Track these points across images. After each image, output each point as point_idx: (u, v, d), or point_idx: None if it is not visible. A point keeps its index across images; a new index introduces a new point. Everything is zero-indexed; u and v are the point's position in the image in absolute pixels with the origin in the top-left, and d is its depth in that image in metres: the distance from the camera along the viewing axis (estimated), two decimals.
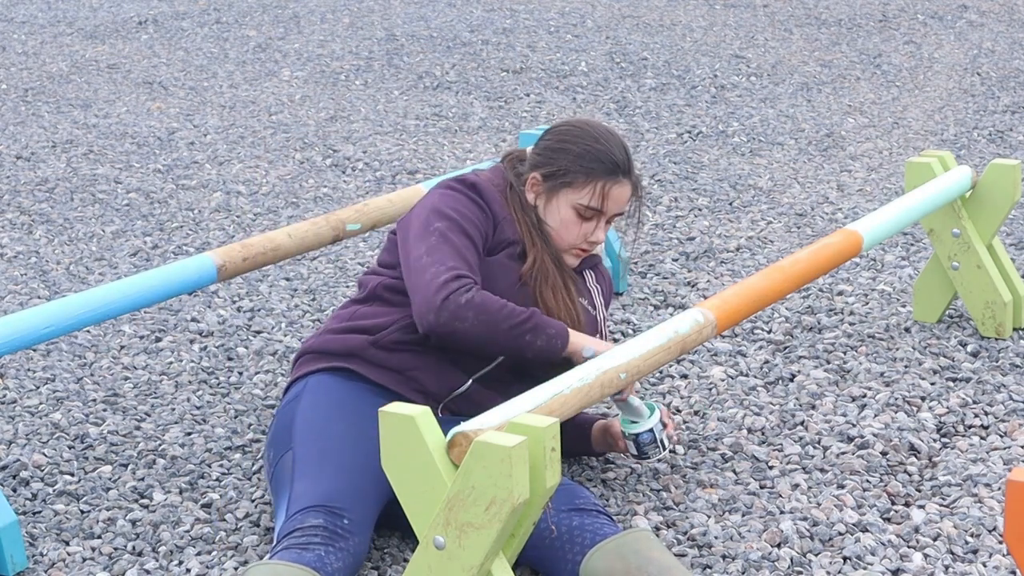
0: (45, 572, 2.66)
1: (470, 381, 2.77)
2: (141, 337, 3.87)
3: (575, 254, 2.87)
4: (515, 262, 2.82)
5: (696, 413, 3.27)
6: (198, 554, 2.70)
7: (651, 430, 2.82)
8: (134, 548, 2.74)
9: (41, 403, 3.43)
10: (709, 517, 2.79)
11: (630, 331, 3.84)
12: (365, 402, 2.71)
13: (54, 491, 2.96)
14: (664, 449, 2.85)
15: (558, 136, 2.87)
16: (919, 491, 2.89)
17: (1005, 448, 3.06)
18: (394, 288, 2.82)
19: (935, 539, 2.69)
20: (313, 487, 2.54)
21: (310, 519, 2.47)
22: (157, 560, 2.69)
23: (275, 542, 2.49)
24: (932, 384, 3.38)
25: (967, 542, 2.67)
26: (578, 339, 2.71)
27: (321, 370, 2.80)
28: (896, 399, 3.28)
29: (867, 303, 3.95)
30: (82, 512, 2.88)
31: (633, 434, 2.82)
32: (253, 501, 2.90)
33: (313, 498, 2.52)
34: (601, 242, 2.87)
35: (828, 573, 2.58)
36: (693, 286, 4.20)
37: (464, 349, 2.71)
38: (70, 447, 3.18)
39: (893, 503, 2.84)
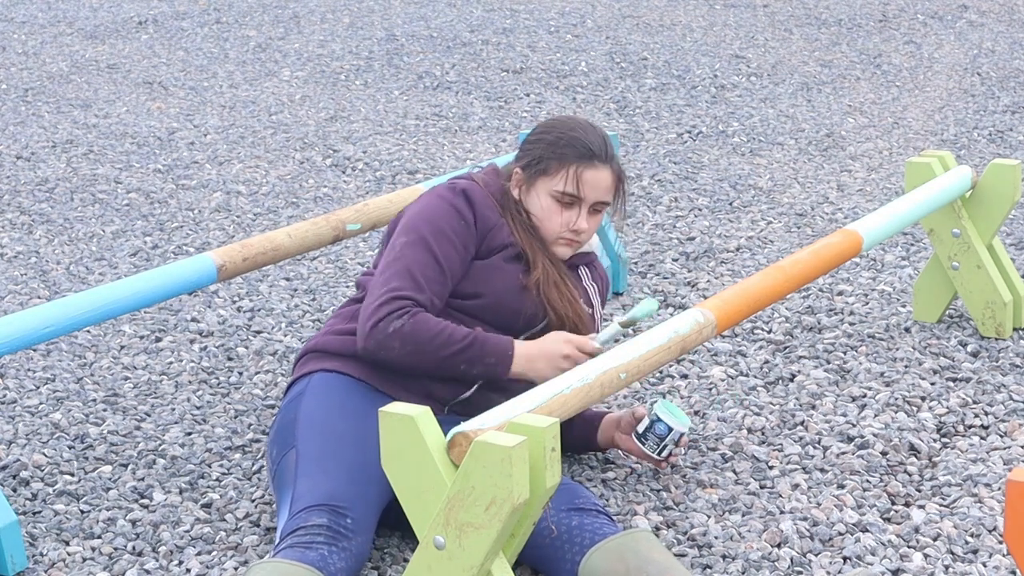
0: (45, 572, 2.66)
1: (475, 387, 2.77)
2: (141, 337, 3.87)
3: (564, 243, 2.85)
4: (511, 263, 2.82)
5: (696, 413, 3.27)
6: (198, 554, 2.70)
7: (672, 429, 2.83)
8: (134, 548, 2.74)
9: (41, 403, 3.43)
10: (709, 517, 2.79)
11: (630, 331, 3.84)
12: (368, 402, 2.71)
13: (54, 491, 2.96)
14: (660, 453, 2.85)
15: (537, 130, 2.89)
16: (919, 491, 2.89)
17: (1005, 448, 3.06)
18: None
19: (935, 539, 2.69)
20: (317, 486, 2.54)
21: (313, 518, 2.47)
22: (157, 560, 2.69)
23: (278, 540, 2.49)
24: (932, 384, 3.38)
25: (967, 542, 2.67)
26: (523, 362, 2.70)
27: (324, 370, 2.80)
28: (896, 399, 3.28)
29: (867, 303, 3.95)
30: (82, 512, 2.88)
31: (658, 416, 2.82)
32: (253, 501, 2.90)
33: (317, 497, 2.52)
34: (585, 231, 2.83)
35: (828, 573, 2.58)
36: (693, 286, 4.20)
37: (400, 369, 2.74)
38: (70, 447, 3.18)
39: (893, 503, 2.84)
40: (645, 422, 2.85)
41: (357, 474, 2.57)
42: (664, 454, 2.86)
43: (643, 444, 2.85)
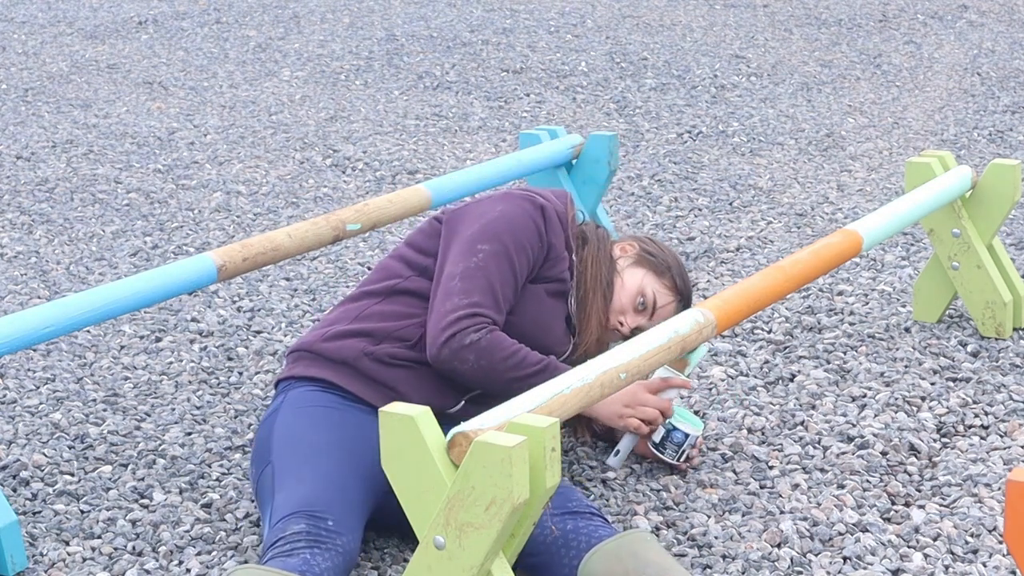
0: (45, 572, 2.66)
1: (463, 401, 2.77)
2: (141, 337, 3.87)
3: (611, 326, 2.94)
4: (552, 298, 2.86)
5: (696, 413, 3.27)
6: (198, 554, 2.70)
7: (688, 435, 2.89)
8: (134, 548, 2.74)
9: (41, 403, 3.43)
10: (709, 517, 2.79)
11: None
12: (347, 413, 2.71)
13: (54, 491, 2.96)
14: (678, 460, 2.91)
15: (671, 252, 3.02)
16: (919, 491, 2.89)
17: (1005, 448, 3.06)
18: (414, 292, 2.81)
19: (935, 539, 2.69)
20: (292, 495, 2.53)
21: (291, 526, 2.46)
22: (157, 560, 2.69)
23: (262, 555, 2.48)
24: (932, 384, 3.38)
25: (967, 542, 2.67)
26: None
27: (305, 379, 2.79)
28: (896, 399, 3.28)
29: (867, 303, 3.95)
30: (82, 512, 2.88)
31: (673, 425, 2.89)
32: (253, 501, 2.90)
33: (293, 505, 2.50)
34: (624, 332, 2.94)
35: (828, 573, 2.58)
36: (693, 286, 4.20)
37: (467, 384, 2.75)
38: (70, 447, 3.18)
39: (893, 503, 2.84)
40: (660, 431, 2.90)
41: (333, 477, 2.56)
42: (682, 459, 2.92)
43: (662, 453, 2.91)
